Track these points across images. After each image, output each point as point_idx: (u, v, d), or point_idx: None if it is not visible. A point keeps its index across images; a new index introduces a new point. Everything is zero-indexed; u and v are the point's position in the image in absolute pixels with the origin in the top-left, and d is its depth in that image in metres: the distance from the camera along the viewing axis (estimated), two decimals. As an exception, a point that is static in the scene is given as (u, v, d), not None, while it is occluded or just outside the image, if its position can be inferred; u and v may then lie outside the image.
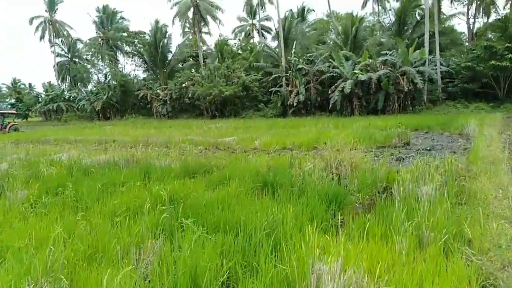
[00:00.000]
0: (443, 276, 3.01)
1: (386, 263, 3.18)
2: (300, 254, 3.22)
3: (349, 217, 4.33)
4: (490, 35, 34.70)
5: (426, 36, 29.73)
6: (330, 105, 29.79)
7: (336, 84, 29.72)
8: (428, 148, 11.91)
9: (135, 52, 48.98)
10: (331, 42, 39.67)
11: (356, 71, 28.53)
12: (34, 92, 70.27)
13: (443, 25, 35.44)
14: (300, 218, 4.03)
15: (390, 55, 29.51)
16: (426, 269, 3.10)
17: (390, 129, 16.07)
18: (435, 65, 29.82)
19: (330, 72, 31.14)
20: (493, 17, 39.51)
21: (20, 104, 58.44)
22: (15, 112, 36.13)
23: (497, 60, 26.51)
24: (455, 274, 3.02)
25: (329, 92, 30.29)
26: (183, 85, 39.62)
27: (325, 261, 3.01)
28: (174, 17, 44.08)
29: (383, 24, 41.57)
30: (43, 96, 58.22)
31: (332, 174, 7.33)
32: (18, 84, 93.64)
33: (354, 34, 34.28)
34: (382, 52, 31.04)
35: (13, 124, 28.75)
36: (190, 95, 38.35)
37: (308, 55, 34.44)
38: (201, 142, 14.78)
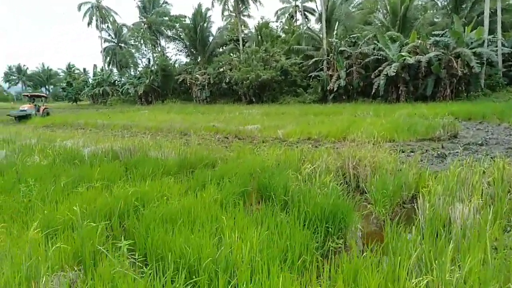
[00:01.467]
0: None
1: None
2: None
3: (339, 257, 3.06)
4: None
5: (486, 14, 26.35)
6: (374, 91, 27.59)
7: (380, 68, 27.36)
8: (480, 142, 10.02)
9: (176, 36, 48.87)
10: (378, 23, 36.72)
11: (403, 54, 25.97)
12: (85, 76, 73.15)
13: (506, 2, 31.31)
14: (267, 251, 2.85)
15: (442, 35, 26.53)
16: None
17: (437, 118, 14.09)
18: (496, 47, 26.37)
19: (375, 55, 28.75)
20: None
21: (70, 88, 61.06)
22: (44, 95, 36.57)
23: None
24: None
25: (373, 77, 28.04)
26: (221, 69, 38.83)
27: None
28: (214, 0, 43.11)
29: (437, 2, 37.78)
30: (90, 80, 60.32)
31: (345, 176, 6.01)
32: (73, 69, 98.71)
33: (403, 13, 31.29)
34: (434, 32, 28.05)
35: (45, 108, 29.33)
36: (227, 80, 37.53)
37: (352, 36, 32.03)
38: (223, 129, 13.80)
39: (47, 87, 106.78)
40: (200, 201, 4.22)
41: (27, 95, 32.59)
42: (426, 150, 9.15)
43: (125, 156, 7.69)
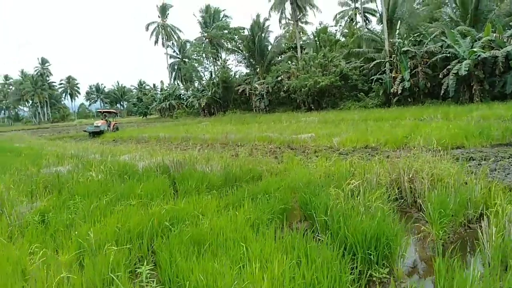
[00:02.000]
0: None
1: None
2: None
3: None
4: None
5: None
6: (443, 91, 25.49)
7: (449, 66, 25.23)
8: None
9: (235, 48, 50.03)
10: (446, 18, 34.04)
11: (475, 49, 23.67)
12: (154, 91, 77.89)
13: None
14: (290, 286, 2.51)
15: (523, 26, 23.79)
16: None
17: (516, 119, 12.54)
18: None
19: (443, 53, 26.62)
20: None
21: (140, 104, 65.38)
22: (115, 111, 38.76)
23: None
24: None
25: (441, 76, 25.95)
26: (279, 78, 38.81)
27: None
28: (271, 9, 43.45)
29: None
30: (158, 95, 64.09)
31: (400, 190, 5.41)
32: (143, 85, 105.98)
33: (475, 5, 28.69)
34: (513, 23, 25.32)
35: (115, 123, 31.15)
36: (285, 88, 37.35)
37: (416, 34, 30.05)
38: (276, 139, 13.56)
39: (121, 103, 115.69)
40: (233, 220, 3.99)
41: (100, 112, 35.13)
42: (502, 158, 8.03)
43: (174, 170, 7.77)
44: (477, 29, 26.74)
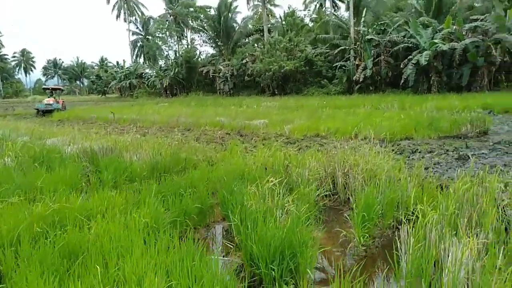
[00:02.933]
0: None
1: None
2: None
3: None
4: None
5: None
6: (403, 81, 25.71)
7: (410, 56, 25.42)
8: (514, 141, 8.59)
9: (200, 28, 48.35)
10: (412, 9, 34.22)
11: (436, 41, 23.91)
12: (115, 69, 74.50)
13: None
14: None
15: (481, 20, 24.19)
16: None
17: (467, 111, 12.59)
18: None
19: (405, 43, 26.77)
20: None
21: (99, 81, 62.32)
22: (61, 88, 36.04)
23: None
24: None
25: (402, 66, 26.14)
26: (243, 61, 37.91)
27: None
28: (238, -12, 42.03)
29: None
30: (119, 73, 61.28)
31: (336, 185, 5.03)
32: (105, 62, 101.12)
33: (439, -3, 28.96)
34: (473, 17, 25.68)
35: (63, 102, 28.65)
36: (250, 71, 36.56)
37: (381, 23, 30.04)
38: (228, 124, 12.96)
39: (81, 80, 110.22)
40: (129, 224, 3.39)
41: (47, 89, 32.39)
42: (447, 150, 7.88)
43: (101, 157, 7.00)
44: (439, 21, 27.02)
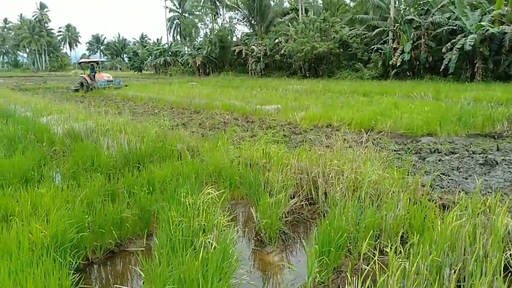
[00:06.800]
0: None
1: None
2: None
3: None
4: None
5: None
6: (443, 67, 23.61)
7: (453, 40, 23.20)
8: (558, 145, 7.26)
9: (235, 5, 47.19)
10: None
11: (483, 23, 21.56)
12: (152, 46, 75.20)
13: None
14: None
15: (540, 0, 21.51)
16: None
17: (508, 105, 11.12)
18: None
19: (449, 25, 24.44)
20: None
21: (135, 58, 63.13)
22: (100, 60, 32.24)
23: None
24: None
25: (444, 51, 23.94)
26: (276, 40, 36.62)
27: None
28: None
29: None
30: (154, 50, 61.67)
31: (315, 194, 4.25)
32: (145, 39, 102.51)
33: (492, -26, 26.06)
34: (530, -4, 22.90)
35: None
36: (282, 51, 35.28)
37: (423, 2, 27.62)
38: (240, 108, 12.24)
39: (122, 56, 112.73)
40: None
41: (84, 62, 29.34)
42: (472, 152, 6.73)
43: (82, 141, 6.57)
44: (489, 2, 24.37)
